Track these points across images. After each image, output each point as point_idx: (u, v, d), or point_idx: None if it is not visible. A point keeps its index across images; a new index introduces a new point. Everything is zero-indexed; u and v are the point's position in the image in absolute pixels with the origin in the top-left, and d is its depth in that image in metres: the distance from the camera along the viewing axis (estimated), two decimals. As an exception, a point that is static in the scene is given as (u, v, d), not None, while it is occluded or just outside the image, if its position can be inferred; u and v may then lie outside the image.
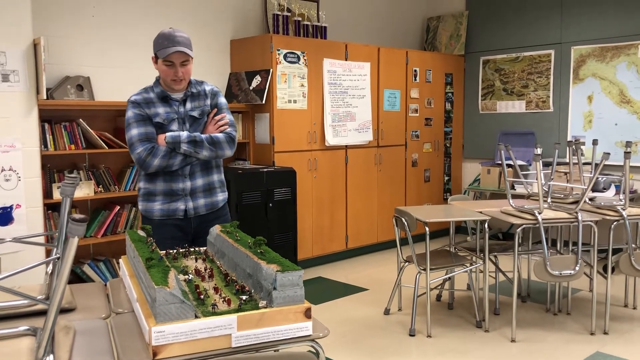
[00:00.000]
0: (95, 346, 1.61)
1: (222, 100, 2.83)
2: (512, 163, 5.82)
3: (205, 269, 2.01)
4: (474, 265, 3.78)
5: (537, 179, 3.36)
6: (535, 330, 3.68)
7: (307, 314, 1.66)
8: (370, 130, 5.56)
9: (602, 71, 5.50)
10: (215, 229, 2.26)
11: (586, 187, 3.44)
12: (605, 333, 3.60)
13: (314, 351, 1.73)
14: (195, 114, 2.72)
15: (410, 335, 3.63)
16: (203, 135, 2.67)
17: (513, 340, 3.50)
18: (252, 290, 1.75)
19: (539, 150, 3.73)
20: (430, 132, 6.25)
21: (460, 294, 4.42)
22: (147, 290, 1.66)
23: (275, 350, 1.98)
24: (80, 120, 4.09)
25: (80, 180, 4.16)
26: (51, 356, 1.40)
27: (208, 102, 2.77)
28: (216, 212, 2.81)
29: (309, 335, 1.66)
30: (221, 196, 2.85)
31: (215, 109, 2.78)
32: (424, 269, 3.60)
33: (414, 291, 3.73)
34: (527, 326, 3.74)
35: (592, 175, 3.43)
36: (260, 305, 1.64)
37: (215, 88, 2.84)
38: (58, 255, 1.68)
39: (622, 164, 4.34)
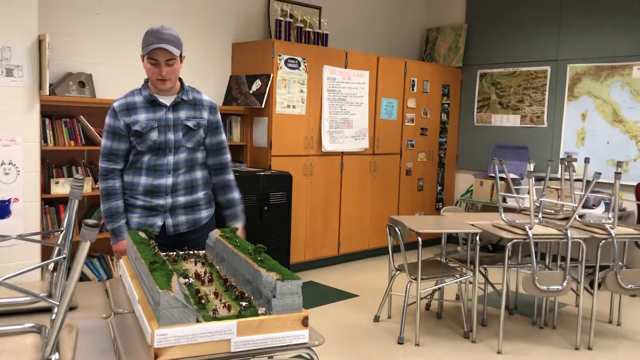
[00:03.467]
0: (97, 345, 1.65)
1: (220, 117, 2.69)
2: (504, 176, 5.91)
3: (205, 273, 2.06)
4: (464, 276, 3.84)
5: (529, 194, 3.42)
6: (521, 343, 3.75)
7: (305, 322, 1.71)
8: (366, 138, 5.62)
9: (596, 90, 5.60)
10: (215, 234, 2.31)
11: (577, 205, 3.51)
12: (589, 348, 3.68)
13: (308, 357, 1.78)
14: (190, 124, 2.55)
15: (399, 343, 3.69)
16: (237, 193, 2.75)
17: (499, 352, 3.57)
18: (252, 297, 1.80)
19: (531, 167, 3.81)
20: (425, 141, 6.32)
21: (449, 304, 4.48)
22: (150, 292, 1.71)
23: (269, 357, 2.03)
24: (81, 116, 4.12)
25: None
26: (57, 354, 1.44)
27: (205, 115, 2.60)
28: (199, 230, 2.64)
29: (305, 343, 1.71)
30: (205, 213, 2.68)
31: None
32: (415, 279, 3.67)
33: (404, 300, 3.79)
34: (514, 338, 3.81)
35: (582, 193, 3.50)
36: (259, 312, 1.69)
37: (213, 102, 2.67)
38: (64, 256, 1.72)
39: (612, 181, 4.42)
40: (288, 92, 4.97)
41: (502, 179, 5.91)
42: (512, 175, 5.69)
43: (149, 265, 1.76)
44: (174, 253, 2.31)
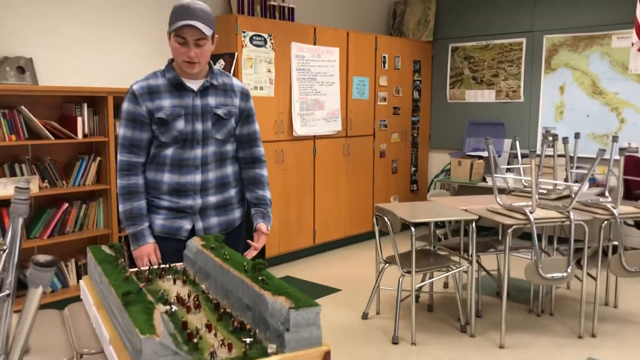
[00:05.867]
0: (59, 409, 1.26)
1: (253, 104, 2.36)
2: (482, 155, 5.67)
3: (189, 296, 1.67)
4: (461, 267, 3.56)
5: (532, 177, 3.15)
6: (522, 334, 3.51)
7: (326, 359, 1.36)
8: (339, 120, 5.27)
9: (574, 61, 5.39)
10: (195, 243, 1.92)
11: (580, 185, 3.26)
12: (593, 336, 3.47)
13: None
14: (220, 112, 2.23)
15: (394, 343, 3.39)
16: (268, 192, 2.42)
17: (502, 347, 3.32)
18: (256, 330, 1.43)
19: (517, 145, 3.54)
20: (398, 121, 6.01)
21: (437, 294, 4.22)
22: (126, 334, 1.32)
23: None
24: (22, 107, 3.61)
25: (22, 174, 3.70)
26: None
27: (237, 101, 2.28)
28: (232, 233, 2.33)
29: (328, 385, 1.36)
30: (238, 212, 2.38)
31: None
32: (408, 272, 3.36)
33: (397, 295, 3.49)
34: (513, 329, 3.57)
35: (587, 172, 3.25)
36: (269, 350, 1.32)
37: (245, 87, 2.35)
38: (8, 292, 1.31)
39: (593, 156, 4.20)
40: (255, 72, 4.56)
41: (480, 157, 5.68)
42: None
43: (122, 297, 1.37)
44: (147, 270, 1.91)
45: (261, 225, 2.34)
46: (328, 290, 4.35)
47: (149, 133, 2.22)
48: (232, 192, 2.35)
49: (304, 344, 1.34)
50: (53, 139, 3.71)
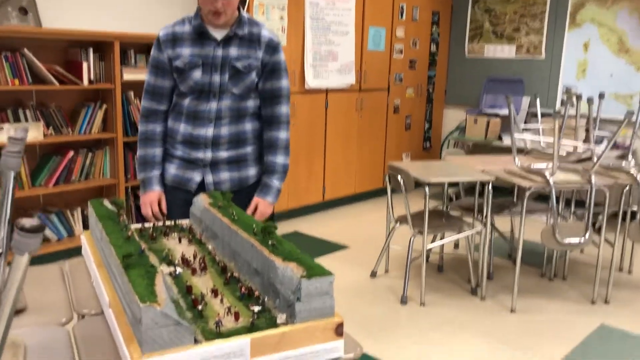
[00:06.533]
0: (54, 375, 1.19)
1: (282, 58, 2.14)
2: (499, 113, 5.50)
3: (195, 257, 1.59)
4: (474, 229, 3.47)
5: (554, 138, 3.01)
6: (533, 299, 3.44)
7: (339, 331, 1.27)
8: (352, 72, 5.09)
9: (601, 16, 5.14)
10: (202, 201, 1.82)
11: (605, 148, 3.12)
12: (606, 302, 3.40)
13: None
14: (239, 65, 2.07)
15: (402, 302, 3.34)
16: (281, 157, 2.21)
17: (513, 311, 3.26)
18: (265, 297, 1.34)
19: (537, 103, 3.38)
20: (414, 75, 5.82)
21: (447, 254, 4.14)
22: (126, 299, 1.24)
23: None
24: (25, 50, 3.48)
25: (27, 120, 3.60)
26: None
27: (260, 54, 2.09)
28: (245, 190, 2.21)
29: (339, 359, 1.28)
30: (253, 170, 2.24)
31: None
32: (420, 232, 3.27)
33: (407, 255, 3.41)
34: (524, 293, 3.50)
35: (611, 136, 3.11)
36: (278, 321, 1.24)
37: (275, 38, 2.13)
38: (0, 251, 1.23)
39: (614, 117, 4.04)
40: (267, 19, 4.37)
41: (497, 115, 5.51)
42: (505, 112, 5.27)
43: (122, 260, 1.28)
44: (151, 227, 1.82)
45: (255, 199, 2.19)
46: (336, 247, 4.28)
47: (170, 81, 2.15)
48: (249, 149, 2.21)
49: (316, 314, 1.25)
50: (58, 84, 3.59)
